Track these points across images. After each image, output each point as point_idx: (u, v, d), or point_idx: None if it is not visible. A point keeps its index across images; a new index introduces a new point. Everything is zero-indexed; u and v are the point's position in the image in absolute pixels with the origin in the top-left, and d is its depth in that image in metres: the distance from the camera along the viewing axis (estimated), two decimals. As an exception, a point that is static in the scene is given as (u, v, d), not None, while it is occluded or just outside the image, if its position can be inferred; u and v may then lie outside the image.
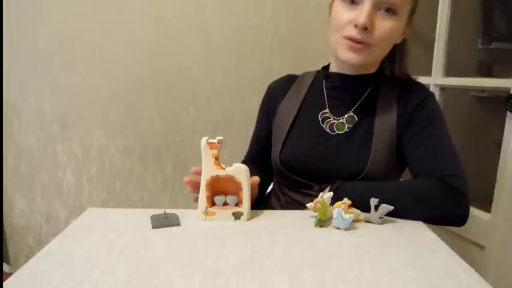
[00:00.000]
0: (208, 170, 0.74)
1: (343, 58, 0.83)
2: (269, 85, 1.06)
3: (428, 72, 1.53)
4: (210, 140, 0.73)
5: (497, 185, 1.24)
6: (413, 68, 1.58)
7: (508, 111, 1.18)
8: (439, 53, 1.50)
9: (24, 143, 1.83)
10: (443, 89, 1.51)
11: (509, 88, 1.19)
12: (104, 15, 1.76)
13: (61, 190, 1.89)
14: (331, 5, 0.87)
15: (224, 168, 0.74)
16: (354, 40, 0.80)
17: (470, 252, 1.30)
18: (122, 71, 1.81)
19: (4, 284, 0.53)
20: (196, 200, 0.76)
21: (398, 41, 0.88)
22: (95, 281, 0.53)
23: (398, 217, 0.77)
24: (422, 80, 1.52)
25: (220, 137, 0.73)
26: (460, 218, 0.77)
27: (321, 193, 0.75)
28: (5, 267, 1.89)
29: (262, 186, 0.99)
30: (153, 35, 1.79)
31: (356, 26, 0.78)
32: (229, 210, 0.76)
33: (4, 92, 1.77)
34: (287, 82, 1.02)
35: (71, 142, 1.85)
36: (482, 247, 1.27)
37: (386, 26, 0.79)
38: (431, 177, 0.79)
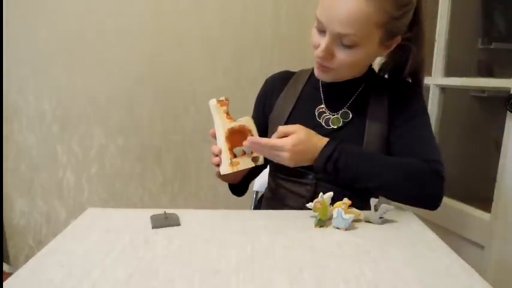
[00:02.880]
0: (224, 124, 0.82)
1: (315, 75, 0.90)
2: (266, 79, 1.09)
3: (428, 72, 1.52)
4: (219, 99, 0.82)
5: (497, 185, 1.23)
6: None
7: (508, 111, 1.18)
8: (439, 53, 1.49)
9: (24, 143, 1.83)
10: (443, 89, 1.50)
11: (509, 88, 1.19)
12: (104, 15, 1.76)
13: (61, 190, 1.89)
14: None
15: (236, 120, 0.83)
16: (319, 62, 0.86)
17: (470, 252, 1.30)
18: (122, 71, 1.81)
19: (4, 284, 0.53)
20: (218, 163, 0.83)
21: (382, 55, 0.92)
22: (95, 281, 0.53)
23: (383, 192, 0.82)
24: (422, 80, 1.52)
25: (225, 96, 0.83)
26: (436, 201, 0.81)
27: (321, 193, 0.75)
28: (5, 267, 1.89)
29: (255, 171, 1.02)
30: (153, 34, 1.79)
31: None
32: (249, 157, 0.85)
33: (4, 92, 1.77)
34: (284, 78, 1.05)
35: (71, 142, 1.85)
36: (482, 247, 1.27)
37: (345, 57, 0.82)
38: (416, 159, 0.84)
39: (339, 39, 0.80)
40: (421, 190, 0.81)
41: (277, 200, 0.98)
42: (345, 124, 0.93)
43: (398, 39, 0.86)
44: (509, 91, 1.18)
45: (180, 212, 0.77)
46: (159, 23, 1.78)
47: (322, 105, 0.96)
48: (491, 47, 1.92)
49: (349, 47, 0.80)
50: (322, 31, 0.83)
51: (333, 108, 0.95)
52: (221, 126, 0.82)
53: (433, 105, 1.48)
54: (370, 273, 0.55)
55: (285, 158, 0.80)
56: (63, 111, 1.82)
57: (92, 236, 0.68)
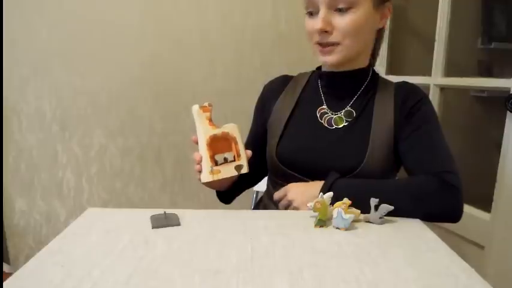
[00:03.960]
0: (206, 130, 0.80)
1: (321, 61, 0.90)
2: (264, 85, 1.07)
3: (428, 72, 1.53)
4: (202, 105, 0.80)
5: (497, 185, 1.23)
6: (413, 68, 1.58)
7: (508, 111, 1.18)
8: (439, 53, 1.49)
9: (24, 143, 1.83)
10: (443, 89, 1.50)
11: (509, 88, 1.19)
12: (104, 15, 1.76)
13: (61, 190, 1.89)
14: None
15: (219, 127, 0.80)
16: (321, 44, 0.86)
17: (470, 252, 1.30)
18: (122, 71, 1.81)
19: (4, 284, 0.53)
20: (200, 171, 0.81)
21: (380, 26, 0.91)
22: (95, 281, 0.53)
23: (395, 215, 0.76)
24: (422, 80, 1.53)
25: (209, 102, 0.81)
26: (455, 213, 0.79)
27: (320, 193, 0.75)
28: (5, 267, 1.89)
29: (247, 181, 1.01)
30: (153, 35, 1.79)
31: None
32: (231, 165, 0.81)
33: (4, 92, 1.77)
34: (282, 82, 1.03)
35: (71, 142, 1.85)
36: (482, 247, 1.27)
37: (345, 22, 0.83)
38: (425, 174, 0.81)
39: (333, 6, 0.82)
40: (433, 208, 0.78)
41: (274, 204, 0.97)
42: (349, 124, 0.91)
43: (390, 8, 0.89)
44: (509, 91, 1.18)
45: (180, 212, 0.77)
46: (159, 24, 1.78)
47: (323, 106, 0.94)
48: (491, 47, 1.92)
49: (346, 10, 0.82)
50: (313, 13, 0.85)
51: (335, 109, 0.93)
52: (203, 132, 0.80)
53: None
54: (370, 273, 0.55)
55: (296, 205, 0.83)
56: (63, 111, 1.82)
57: (92, 236, 0.68)
